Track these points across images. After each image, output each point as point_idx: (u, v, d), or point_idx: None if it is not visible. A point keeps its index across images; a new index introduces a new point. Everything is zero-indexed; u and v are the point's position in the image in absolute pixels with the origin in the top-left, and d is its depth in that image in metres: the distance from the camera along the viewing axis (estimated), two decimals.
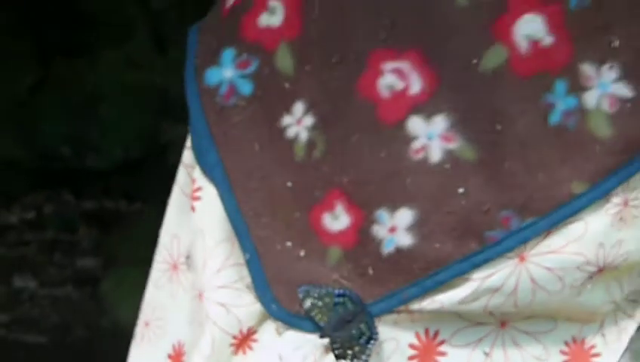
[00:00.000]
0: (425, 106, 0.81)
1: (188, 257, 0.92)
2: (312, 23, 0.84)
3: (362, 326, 0.81)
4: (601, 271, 0.81)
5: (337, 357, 0.81)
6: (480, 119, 0.80)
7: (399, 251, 0.81)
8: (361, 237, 0.82)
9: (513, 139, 0.80)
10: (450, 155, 0.81)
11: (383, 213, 0.81)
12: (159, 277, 0.95)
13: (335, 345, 0.81)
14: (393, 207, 0.81)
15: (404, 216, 0.81)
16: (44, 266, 3.05)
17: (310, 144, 0.84)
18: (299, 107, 0.85)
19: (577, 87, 0.80)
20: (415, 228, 0.81)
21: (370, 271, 0.82)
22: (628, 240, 0.81)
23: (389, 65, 0.81)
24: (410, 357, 0.82)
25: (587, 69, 0.80)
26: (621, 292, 0.85)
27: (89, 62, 3.27)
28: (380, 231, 0.82)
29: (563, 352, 0.85)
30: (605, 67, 0.80)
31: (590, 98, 0.80)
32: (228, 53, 0.88)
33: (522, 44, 0.80)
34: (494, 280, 0.80)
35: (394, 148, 0.81)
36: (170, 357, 0.92)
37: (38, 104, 3.29)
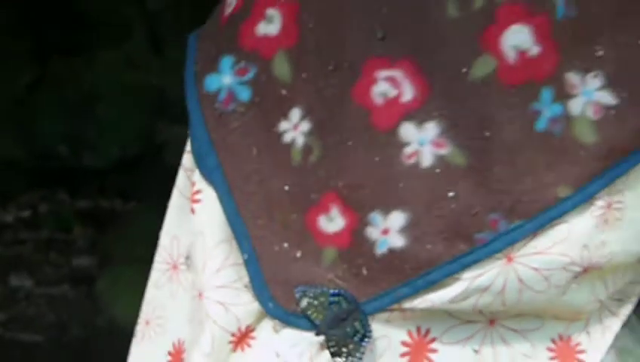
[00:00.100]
0: (417, 113, 0.83)
1: (187, 258, 0.94)
2: (309, 31, 0.86)
3: (356, 324, 0.83)
4: (585, 271, 0.83)
5: (332, 354, 0.83)
6: (469, 126, 0.82)
7: (392, 252, 0.83)
8: (356, 238, 0.84)
9: (501, 145, 0.82)
10: (440, 160, 0.82)
11: (376, 216, 0.83)
12: (159, 277, 0.96)
13: (330, 343, 0.83)
14: (386, 209, 0.83)
15: (397, 219, 0.83)
16: (40, 265, 3.05)
17: (306, 149, 0.86)
18: (295, 113, 0.87)
19: (563, 95, 0.82)
20: (407, 230, 0.83)
21: (364, 272, 0.84)
22: (611, 242, 0.83)
23: (382, 74, 0.83)
24: (403, 354, 0.85)
25: (572, 77, 0.82)
26: (606, 291, 0.88)
27: (86, 62, 3.27)
28: (373, 232, 0.84)
29: (550, 349, 0.87)
30: (590, 75, 0.82)
31: (575, 105, 0.82)
32: (227, 61, 0.90)
33: (510, 54, 0.82)
34: (483, 280, 0.82)
35: (387, 153, 0.83)
36: (170, 354, 0.94)
37: (35, 103, 3.28)
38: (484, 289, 0.82)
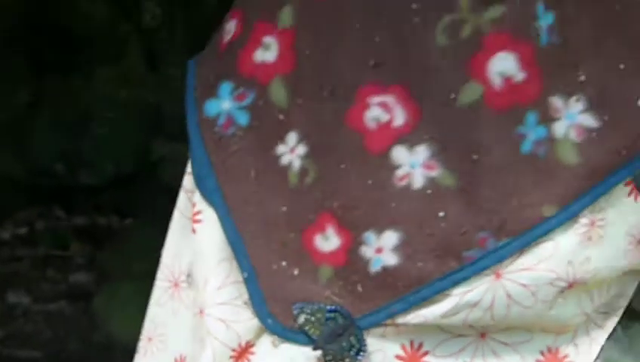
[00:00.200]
0: (408, 137, 0.86)
1: (189, 276, 0.96)
2: (305, 58, 0.89)
3: (352, 338, 0.86)
4: (571, 286, 0.86)
5: (324, 356, 0.86)
6: (458, 149, 0.85)
7: (385, 270, 0.86)
8: (351, 257, 0.87)
9: (488, 167, 0.85)
10: (431, 182, 0.86)
11: (370, 235, 0.86)
12: (161, 294, 0.99)
13: (327, 357, 0.86)
14: (380, 229, 0.86)
15: (390, 238, 0.86)
16: (38, 282, 3.04)
17: (303, 171, 0.89)
18: (292, 137, 0.90)
19: (547, 119, 0.85)
20: (400, 248, 0.86)
21: (359, 288, 0.87)
22: (595, 258, 0.86)
23: (375, 99, 0.86)
24: None
25: (556, 101, 0.85)
26: (592, 305, 0.91)
27: (82, 79, 3.28)
28: (367, 251, 0.87)
29: (539, 361, 0.90)
30: (573, 99, 0.86)
31: (559, 128, 0.85)
32: (226, 87, 0.93)
33: (496, 80, 0.85)
34: (473, 295, 0.85)
35: (380, 175, 0.86)
36: None
37: (31, 121, 3.28)
38: (473, 305, 0.85)
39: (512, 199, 0.85)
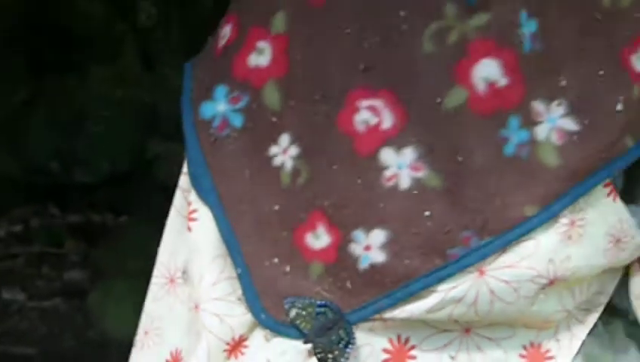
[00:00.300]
0: (396, 139, 0.88)
1: (184, 272, 0.99)
2: (297, 63, 0.92)
3: (341, 332, 0.89)
4: (552, 283, 0.89)
5: (319, 359, 0.88)
6: (444, 151, 0.88)
7: (373, 267, 0.88)
8: (340, 254, 0.90)
9: (472, 168, 0.87)
10: (417, 183, 0.88)
11: (359, 233, 0.89)
12: (157, 290, 1.01)
13: (317, 350, 0.89)
14: (368, 227, 0.89)
15: (378, 236, 0.89)
16: (33, 279, 3.04)
17: (295, 172, 0.92)
18: (285, 139, 0.92)
19: (529, 122, 0.88)
20: (387, 246, 0.88)
21: (348, 285, 0.89)
22: (575, 256, 0.89)
23: (364, 103, 0.89)
24: (384, 361, 0.90)
25: (538, 105, 0.88)
26: (573, 301, 0.93)
27: (78, 78, 3.28)
28: (356, 249, 0.89)
29: (522, 356, 0.93)
30: (554, 104, 0.88)
31: (541, 131, 0.88)
32: (221, 90, 0.95)
33: (480, 85, 0.88)
34: (457, 291, 0.87)
35: (369, 176, 0.89)
36: None
37: (27, 119, 3.28)
38: (458, 301, 0.88)
39: (494, 199, 0.87)
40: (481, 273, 0.87)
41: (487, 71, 0.88)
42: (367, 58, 0.89)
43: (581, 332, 0.95)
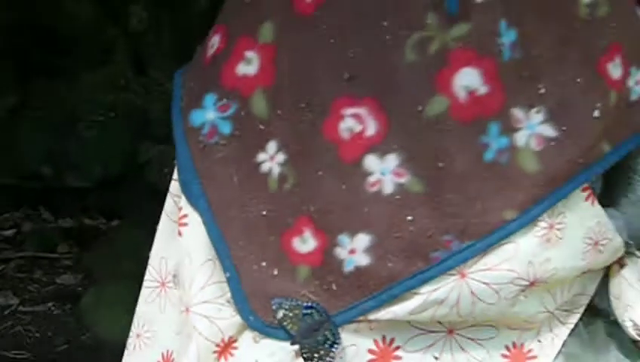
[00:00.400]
0: (379, 146, 0.90)
1: (175, 276, 1.01)
2: (284, 73, 0.94)
3: (327, 333, 0.90)
4: (532, 285, 0.91)
5: (306, 359, 0.90)
6: (425, 158, 0.90)
7: (358, 270, 0.90)
8: (326, 257, 0.91)
9: (453, 174, 0.89)
10: (400, 188, 0.90)
11: (344, 237, 0.91)
12: (149, 293, 1.03)
13: (304, 350, 0.91)
14: (353, 232, 0.91)
15: (362, 240, 0.90)
16: (25, 283, 3.04)
17: (282, 178, 0.93)
18: (272, 146, 0.94)
19: (509, 129, 0.90)
20: (371, 250, 0.90)
21: (334, 287, 0.91)
22: (554, 259, 0.91)
23: (348, 111, 0.91)
24: (370, 361, 0.92)
25: (517, 112, 0.90)
26: (554, 303, 0.96)
27: (69, 83, 3.28)
28: (341, 252, 0.91)
29: (504, 356, 0.95)
30: (533, 111, 0.90)
31: (520, 138, 0.90)
32: (210, 98, 0.97)
33: (460, 93, 0.90)
34: (439, 293, 0.90)
35: (353, 182, 0.90)
36: None
37: (19, 124, 3.28)
38: (440, 302, 0.90)
39: (475, 204, 0.89)
40: (463, 275, 0.89)
41: (468, 79, 0.89)
42: (351, 67, 0.91)
43: (562, 332, 0.97)
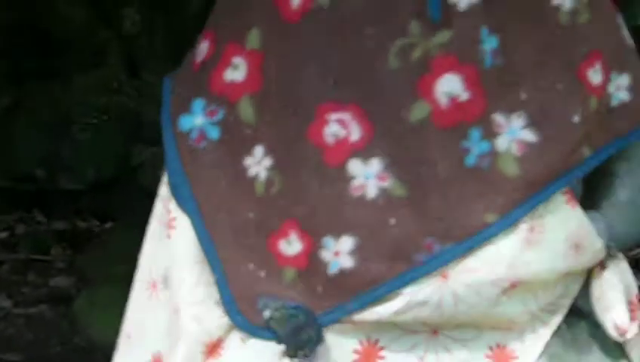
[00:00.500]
0: (363, 151, 0.92)
1: (165, 277, 1.01)
2: (270, 79, 0.95)
3: (311, 332, 0.92)
4: (513, 287, 0.93)
5: (290, 356, 0.92)
6: (408, 162, 0.91)
7: (342, 271, 0.92)
8: (311, 260, 0.93)
9: (435, 178, 0.91)
10: (383, 192, 0.92)
11: (329, 240, 0.93)
12: (139, 295, 1.04)
13: (289, 349, 0.92)
14: (337, 235, 0.92)
15: (346, 243, 0.92)
16: (19, 286, 3.04)
17: (269, 182, 0.95)
18: (259, 150, 0.96)
19: (490, 134, 0.92)
20: (355, 252, 0.92)
21: (319, 288, 0.93)
22: (535, 261, 0.93)
23: (333, 116, 0.93)
24: (354, 361, 0.93)
25: (499, 118, 0.92)
26: (537, 304, 0.97)
27: (62, 85, 3.29)
28: (326, 255, 0.93)
29: (487, 356, 0.96)
30: (514, 116, 0.92)
31: (501, 143, 0.92)
32: (198, 103, 0.99)
33: (442, 100, 0.91)
34: (422, 295, 0.91)
35: (338, 186, 0.92)
36: None
37: (12, 127, 3.26)
38: (423, 303, 0.91)
39: (456, 207, 0.91)
40: (445, 277, 0.91)
41: (449, 85, 0.91)
42: (336, 73, 0.93)
43: (545, 333, 0.99)
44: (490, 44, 0.92)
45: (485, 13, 0.92)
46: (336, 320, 0.93)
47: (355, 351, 0.94)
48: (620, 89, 0.97)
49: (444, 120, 0.91)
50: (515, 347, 0.97)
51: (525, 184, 0.92)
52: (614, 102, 0.97)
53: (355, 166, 0.92)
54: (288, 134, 0.94)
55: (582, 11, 0.95)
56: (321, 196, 0.93)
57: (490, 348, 0.97)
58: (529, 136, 0.92)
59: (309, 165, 0.93)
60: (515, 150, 0.92)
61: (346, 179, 0.92)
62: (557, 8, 0.94)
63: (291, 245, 0.94)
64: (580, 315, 1.02)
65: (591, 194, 1.02)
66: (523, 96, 0.92)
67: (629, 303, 1.01)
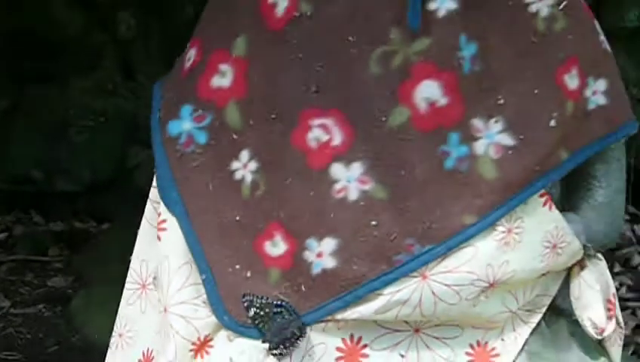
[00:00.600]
0: (345, 155, 0.94)
1: (155, 278, 1.04)
2: (255, 86, 0.98)
3: (295, 329, 0.94)
4: (492, 286, 0.95)
5: (271, 348, 0.94)
6: (388, 166, 0.94)
7: (325, 272, 0.94)
8: (295, 260, 0.95)
9: (415, 181, 0.93)
10: (365, 195, 0.94)
11: (312, 242, 0.95)
12: (130, 295, 1.07)
13: (272, 345, 0.95)
14: (320, 236, 0.95)
15: (329, 244, 0.94)
16: (16, 286, 3.04)
17: (254, 185, 0.97)
18: (245, 154, 0.98)
19: (469, 138, 0.94)
20: (337, 253, 0.94)
21: (303, 288, 0.95)
22: (513, 261, 0.95)
23: (316, 122, 0.95)
24: (338, 359, 0.96)
25: (477, 122, 0.94)
26: (517, 303, 0.99)
27: (59, 88, 3.29)
28: (310, 256, 0.95)
29: (468, 354, 0.98)
30: (492, 121, 0.94)
31: (479, 146, 0.94)
32: (186, 109, 1.01)
33: (422, 105, 0.94)
34: (402, 294, 0.93)
35: (320, 189, 0.94)
36: None
37: (9, 129, 3.26)
38: (403, 302, 0.93)
39: (435, 209, 0.93)
40: (424, 277, 0.93)
41: (428, 91, 0.93)
42: (318, 80, 0.95)
43: (525, 331, 1.01)
44: (469, 50, 0.94)
45: (464, 21, 0.94)
46: (320, 319, 0.95)
47: (339, 349, 0.96)
48: (596, 93, 0.99)
49: (424, 124, 0.93)
50: (496, 345, 0.99)
51: (503, 186, 0.94)
52: (591, 106, 0.99)
53: (337, 169, 0.95)
54: (273, 139, 0.96)
55: (559, 18, 0.97)
56: (304, 199, 0.95)
57: (471, 346, 0.99)
58: (506, 139, 0.94)
59: (293, 169, 0.95)
60: (493, 153, 0.94)
61: (328, 182, 0.94)
62: (534, 15, 0.96)
63: (276, 246, 0.96)
64: (560, 314, 1.04)
65: (570, 195, 1.04)
66: (501, 101, 0.94)
67: (607, 302, 1.03)
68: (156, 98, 1.05)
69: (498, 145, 0.94)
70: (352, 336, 0.96)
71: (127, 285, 1.08)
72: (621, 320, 1.07)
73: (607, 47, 1.02)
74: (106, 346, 1.08)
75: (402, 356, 0.97)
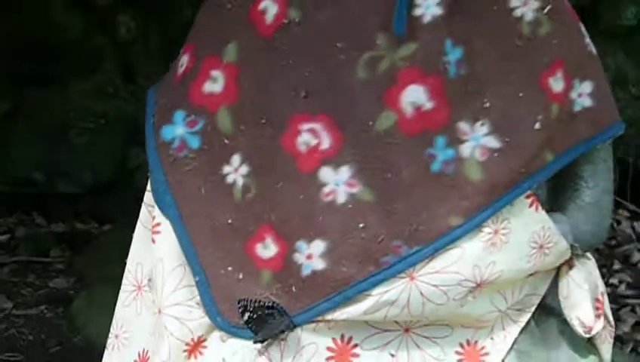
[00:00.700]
0: (333, 159, 0.96)
1: (150, 280, 1.06)
2: (245, 91, 0.99)
3: (283, 327, 0.96)
4: (479, 287, 0.96)
5: (257, 341, 0.95)
6: (375, 169, 0.95)
7: (315, 273, 0.96)
8: (286, 262, 0.97)
9: (402, 184, 0.95)
10: (352, 198, 0.95)
11: (302, 244, 0.96)
12: (126, 297, 1.09)
13: (263, 344, 0.96)
14: (310, 238, 0.96)
15: (318, 246, 0.96)
16: (19, 287, 3.05)
17: (245, 188, 0.99)
18: (236, 159, 0.99)
19: (455, 141, 0.95)
20: (326, 255, 0.96)
21: (294, 290, 0.96)
22: (499, 261, 0.96)
23: (305, 126, 0.96)
24: (328, 359, 0.97)
25: (463, 126, 0.95)
26: (506, 302, 1.01)
27: (60, 91, 3.31)
28: (300, 257, 0.97)
29: (458, 353, 1.00)
30: (478, 124, 0.96)
31: (465, 149, 0.95)
32: (179, 114, 1.02)
33: (408, 109, 0.95)
34: (390, 295, 0.95)
35: (310, 192, 0.96)
36: None
37: (11, 132, 3.27)
38: (391, 303, 0.95)
39: (422, 212, 0.94)
40: (412, 278, 0.95)
41: (414, 96, 0.95)
42: (307, 85, 0.96)
43: (514, 330, 1.02)
44: (454, 55, 0.95)
45: (449, 26, 0.96)
46: (311, 320, 0.96)
47: (330, 349, 0.97)
48: (582, 95, 1.00)
49: (410, 128, 0.95)
50: (485, 344, 1.01)
51: (489, 188, 0.95)
52: (577, 108, 1.00)
53: (325, 173, 0.96)
54: (263, 143, 0.98)
55: (543, 22, 0.98)
56: (294, 202, 0.96)
57: (461, 345, 1.00)
58: (492, 142, 0.95)
59: (283, 173, 0.97)
60: (479, 156, 0.95)
61: (317, 185, 0.96)
62: (519, 19, 0.97)
63: (267, 249, 0.98)
64: (550, 313, 1.06)
65: (557, 196, 1.05)
66: (486, 104, 0.96)
67: (595, 301, 1.04)
68: (150, 103, 1.07)
69: (484, 148, 0.95)
70: (342, 336, 0.97)
71: (123, 287, 1.09)
72: (611, 318, 1.09)
73: (593, 49, 1.03)
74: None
75: (392, 355, 0.98)
